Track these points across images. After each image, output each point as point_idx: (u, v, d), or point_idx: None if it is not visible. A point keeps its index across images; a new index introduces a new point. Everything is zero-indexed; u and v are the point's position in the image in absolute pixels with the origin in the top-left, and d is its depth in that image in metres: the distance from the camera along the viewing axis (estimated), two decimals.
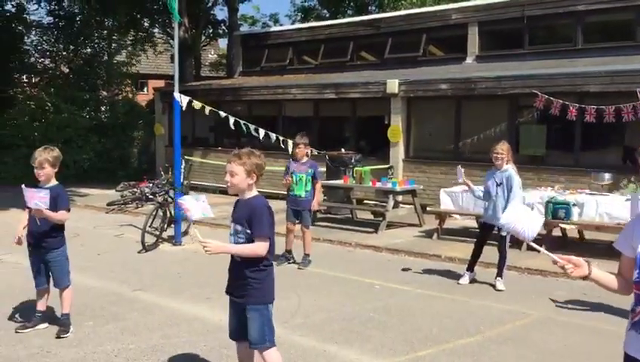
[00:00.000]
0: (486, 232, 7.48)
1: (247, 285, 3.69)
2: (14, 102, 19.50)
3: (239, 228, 3.69)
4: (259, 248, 3.64)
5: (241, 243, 3.70)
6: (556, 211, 8.80)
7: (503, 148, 7.14)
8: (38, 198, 5.10)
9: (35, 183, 5.40)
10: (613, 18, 13.31)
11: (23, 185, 5.24)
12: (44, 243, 5.38)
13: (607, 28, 13.55)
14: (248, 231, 3.64)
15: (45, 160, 5.27)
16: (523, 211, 3.04)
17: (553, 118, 11.50)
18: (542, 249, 2.66)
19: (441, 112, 13.62)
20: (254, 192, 3.75)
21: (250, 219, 3.64)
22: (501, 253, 7.31)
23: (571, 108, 10.74)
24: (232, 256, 3.79)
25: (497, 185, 7.13)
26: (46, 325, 5.58)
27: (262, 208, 3.67)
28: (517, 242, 9.18)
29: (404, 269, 8.21)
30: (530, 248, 8.88)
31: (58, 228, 5.44)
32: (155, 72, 32.92)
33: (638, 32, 12.59)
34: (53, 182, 5.38)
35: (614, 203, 8.70)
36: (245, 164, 3.64)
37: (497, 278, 7.29)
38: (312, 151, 11.76)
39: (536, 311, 6.38)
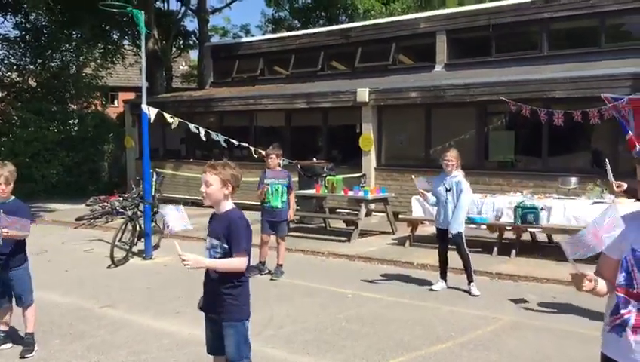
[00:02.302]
0: (443, 238, 7.53)
1: (223, 301, 3.61)
2: None
3: (216, 242, 3.61)
4: (238, 263, 3.55)
5: (217, 258, 3.61)
6: (525, 216, 8.90)
7: (452, 156, 7.27)
8: (20, 226, 4.96)
9: None
10: (578, 25, 13.57)
11: (0, 211, 5.05)
12: (6, 261, 5.24)
13: (571, 35, 13.81)
14: (225, 245, 3.57)
15: (11, 175, 5.13)
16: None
17: (522, 124, 11.68)
18: (575, 265, 2.57)
19: (411, 120, 13.72)
20: (230, 204, 3.68)
21: (227, 233, 3.56)
22: (463, 257, 7.35)
23: (540, 113, 10.90)
24: (207, 272, 3.70)
25: (447, 190, 7.24)
26: (10, 345, 5.43)
27: (240, 222, 3.60)
28: (487, 248, 9.28)
29: (367, 281, 8.14)
30: (500, 253, 9.00)
31: (21, 245, 5.31)
32: (125, 84, 32.58)
33: (602, 39, 12.85)
34: (10, 197, 5.24)
35: (581, 206, 8.83)
36: (220, 173, 3.60)
37: (470, 283, 7.33)
38: (282, 161, 11.75)
39: (508, 316, 6.42)
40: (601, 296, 2.60)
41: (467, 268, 7.34)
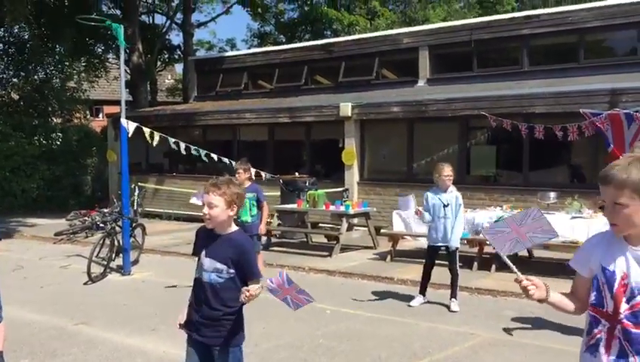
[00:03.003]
0: (435, 255, 7.48)
1: (222, 327, 3.43)
2: None
3: (221, 266, 3.41)
4: (257, 291, 3.33)
5: (220, 283, 3.43)
6: None
7: (449, 171, 7.23)
8: None
9: None
10: (558, 41, 13.73)
11: None
12: None
13: (551, 51, 13.96)
14: (232, 271, 3.39)
15: None
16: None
17: (503, 139, 11.73)
18: (511, 265, 2.59)
19: (394, 135, 13.75)
20: (233, 226, 3.50)
21: (238, 259, 3.39)
22: (454, 272, 7.33)
23: (521, 127, 10.95)
24: (203, 293, 3.47)
25: (444, 206, 7.18)
26: None
27: (249, 247, 3.48)
28: (467, 262, 9.26)
29: (347, 297, 8.12)
30: (480, 268, 8.99)
31: None
32: (110, 97, 32.36)
33: (581, 55, 13.00)
34: None
35: (560, 221, 8.85)
36: (225, 194, 3.36)
37: (452, 299, 7.30)
38: (255, 174, 11.68)
39: (486, 332, 6.39)
40: (566, 311, 2.56)
41: (454, 284, 7.32)
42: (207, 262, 3.44)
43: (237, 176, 8.13)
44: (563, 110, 10.96)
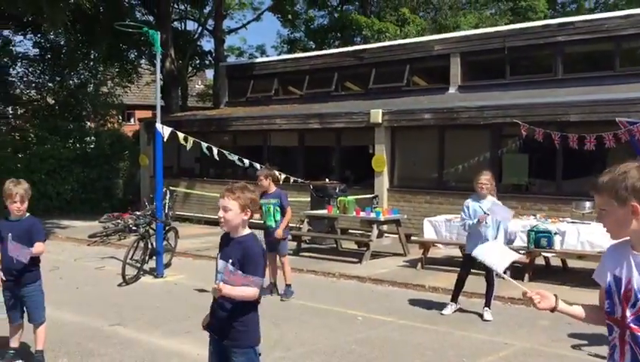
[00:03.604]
0: (472, 263, 7.40)
1: (234, 327, 3.52)
2: None
3: (230, 267, 3.51)
4: (253, 292, 3.48)
5: (229, 283, 3.52)
6: (538, 240, 8.80)
7: (487, 179, 7.17)
8: (22, 255, 5.00)
9: (6, 216, 5.31)
10: (593, 49, 13.57)
11: (9, 236, 5.07)
12: (20, 278, 5.27)
13: (587, 58, 13.79)
14: (239, 271, 3.47)
15: (26, 193, 5.18)
16: (497, 248, 3.08)
17: (535, 147, 11.60)
18: (510, 278, 2.66)
19: (424, 142, 13.70)
20: (247, 230, 3.60)
21: (243, 260, 3.48)
22: (489, 282, 7.26)
23: (554, 136, 10.84)
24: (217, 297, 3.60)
25: (485, 214, 7.12)
26: None
27: (256, 250, 3.54)
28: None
29: (378, 303, 8.08)
30: (512, 277, 8.88)
31: (34, 263, 5.33)
32: (142, 102, 32.94)
33: (617, 62, 12.81)
34: (25, 214, 5.29)
35: (595, 231, 8.70)
36: (239, 198, 3.48)
37: (485, 308, 7.23)
38: (284, 179, 11.74)
39: (519, 342, 6.32)
40: (581, 320, 2.61)
41: (489, 294, 7.25)
42: (220, 264, 3.57)
43: (259, 183, 8.16)
44: (599, 118, 10.81)
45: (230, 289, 3.44)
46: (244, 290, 3.46)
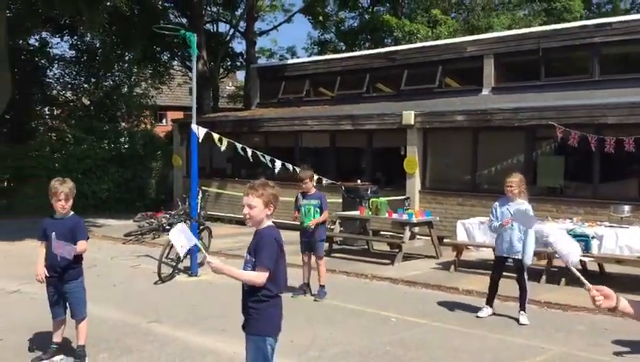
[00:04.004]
0: (502, 266, 7.36)
1: (248, 314, 3.71)
2: (36, 134, 19.86)
3: (249, 257, 3.71)
4: (256, 277, 3.62)
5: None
6: None
7: (515, 181, 7.11)
8: (66, 252, 5.15)
9: (50, 215, 5.45)
10: (631, 50, 13.30)
11: (53, 234, 5.24)
12: (63, 275, 5.41)
13: (624, 59, 13.54)
14: (254, 259, 3.67)
15: (71, 192, 5.32)
16: (567, 236, 3.06)
17: (571, 150, 11.43)
18: (578, 273, 2.61)
19: (457, 143, 13.60)
20: (268, 222, 3.76)
21: (255, 248, 3.67)
22: (521, 285, 7.20)
23: (591, 139, 10.67)
24: (243, 285, 3.79)
25: (511, 216, 7.07)
26: (62, 357, 5.57)
27: (268, 239, 3.67)
28: (534, 275, 9.05)
29: (412, 305, 8.04)
30: (548, 281, 8.76)
31: (76, 260, 5.47)
32: (173, 103, 33.37)
33: None
34: (70, 212, 5.42)
35: (634, 235, 8.56)
36: (263, 195, 3.64)
37: (521, 312, 7.16)
38: (318, 179, 11.77)
39: (557, 347, 6.24)
40: (630, 315, 2.56)
41: (522, 297, 7.19)
42: (247, 256, 3.74)
43: (304, 186, 8.20)
44: (637, 121, 10.61)
45: (231, 270, 3.67)
46: (248, 274, 3.65)
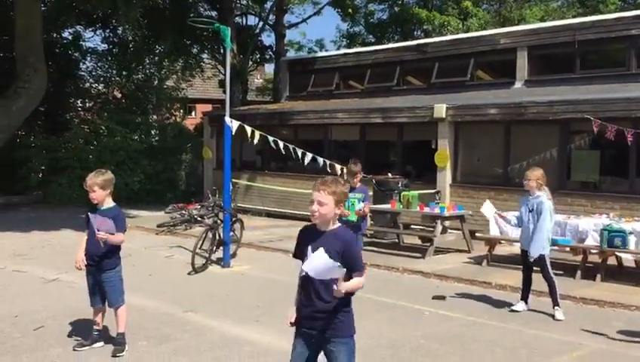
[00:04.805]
0: (526, 260, 7.32)
1: (337, 319, 3.55)
2: (70, 126, 20.22)
3: (331, 261, 3.50)
4: (361, 282, 3.55)
5: None
6: (612, 239, 8.53)
7: (532, 175, 7.08)
8: (105, 226, 5.30)
9: (90, 206, 5.57)
10: None
11: (89, 213, 5.45)
12: (101, 263, 5.53)
13: None
14: (337, 263, 3.47)
15: (94, 183, 5.43)
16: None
17: (606, 144, 11.24)
18: None
19: (489, 137, 13.47)
20: (337, 223, 3.64)
21: (345, 253, 3.51)
22: (547, 280, 7.14)
23: (627, 133, 10.48)
24: (313, 288, 3.56)
25: (529, 211, 7.07)
26: (102, 344, 5.69)
27: (354, 241, 3.62)
28: (570, 271, 8.95)
29: (436, 297, 8.02)
30: (583, 277, 8.64)
31: (114, 250, 5.58)
32: (203, 96, 33.62)
33: None
34: (109, 203, 5.53)
35: None
36: (335, 193, 3.49)
37: (556, 307, 7.09)
38: (341, 171, 11.80)
39: (594, 343, 6.17)
40: None
41: (552, 292, 7.12)
42: (324, 256, 3.49)
43: (355, 180, 8.19)
44: None
45: (349, 285, 3.48)
46: (359, 282, 3.53)
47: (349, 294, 3.56)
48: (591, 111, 11.16)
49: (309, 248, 3.58)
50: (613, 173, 11.88)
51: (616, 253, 8.88)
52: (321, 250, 3.44)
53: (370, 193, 12.78)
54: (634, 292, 8.09)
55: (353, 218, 8.17)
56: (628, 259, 9.32)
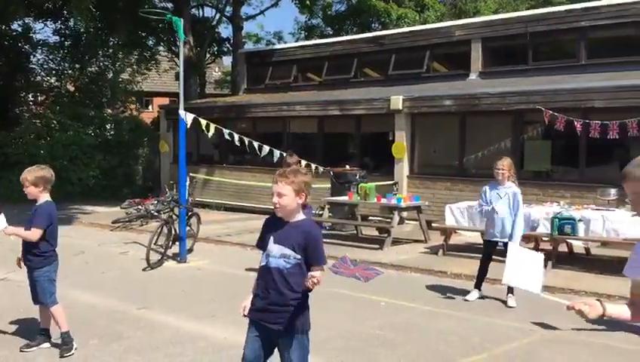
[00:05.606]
0: (491, 249, 7.42)
1: (290, 314, 3.50)
2: (20, 121, 19.62)
3: (288, 252, 3.50)
4: (321, 276, 3.49)
5: (288, 268, 3.51)
6: (562, 227, 8.75)
7: (505, 164, 7.13)
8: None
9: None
10: (617, 34, 13.34)
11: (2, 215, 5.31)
12: (28, 262, 5.39)
13: (610, 43, 13.57)
14: (298, 256, 3.48)
15: (25, 179, 5.29)
16: (524, 263, 3.06)
17: (558, 134, 11.50)
18: (554, 298, 2.65)
19: (445, 128, 13.63)
20: (302, 215, 3.59)
21: (306, 246, 3.48)
22: None
23: (577, 123, 10.74)
24: (271, 279, 3.54)
25: (501, 200, 7.10)
26: (48, 345, 5.53)
27: (319, 236, 3.57)
28: None
29: (401, 289, 8.10)
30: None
31: (39, 248, 5.34)
32: (160, 89, 33.08)
33: None
34: (42, 199, 5.35)
35: (621, 219, 8.65)
36: (294, 183, 3.44)
37: (509, 295, 7.22)
38: (305, 166, 11.80)
39: (544, 329, 6.31)
40: (625, 320, 2.56)
41: None
42: (276, 249, 3.53)
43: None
44: (623, 105, 10.71)
45: (318, 274, 3.45)
46: (320, 275, 3.48)
47: (307, 290, 3.53)
48: (542, 102, 11.40)
49: (271, 239, 3.55)
50: (565, 162, 12.18)
51: (567, 240, 9.10)
52: None
53: (328, 185, 12.88)
54: (583, 278, 8.30)
55: None
56: (578, 246, 9.58)
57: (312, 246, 3.48)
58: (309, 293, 3.62)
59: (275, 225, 3.60)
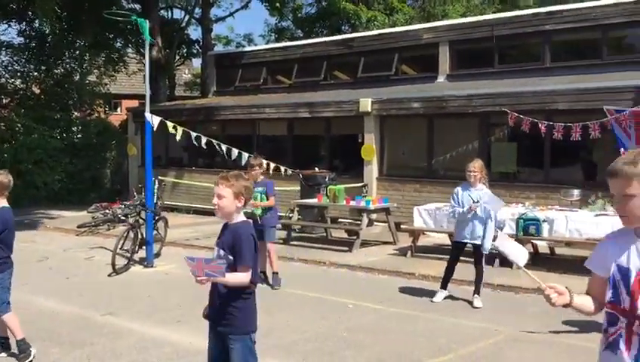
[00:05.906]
0: (460, 251, 7.46)
1: (229, 314, 3.57)
2: None
3: (222, 253, 3.59)
4: (242, 277, 3.52)
5: (224, 269, 3.51)
6: (527, 227, 8.88)
7: (476, 166, 7.18)
8: None
9: None
10: (581, 37, 13.62)
11: None
12: None
13: (574, 47, 13.85)
14: (230, 257, 3.54)
15: None
16: (512, 241, 3.13)
17: (524, 136, 11.67)
18: (530, 274, 2.64)
19: (413, 130, 13.74)
20: (241, 217, 3.65)
21: (233, 246, 3.54)
22: (478, 270, 7.32)
23: (541, 125, 10.91)
24: (214, 284, 3.63)
25: (474, 202, 7.14)
26: (4, 354, 5.39)
27: (245, 236, 3.57)
28: (488, 259, 9.23)
29: (369, 291, 8.12)
30: (502, 264, 8.97)
31: None
32: (128, 91, 32.62)
33: (605, 51, 12.88)
34: (1, 204, 5.23)
35: (583, 219, 8.81)
36: (233, 186, 3.53)
37: (475, 295, 7.29)
38: (274, 168, 11.82)
39: (509, 329, 6.39)
40: (588, 313, 2.58)
41: (479, 282, 7.31)
42: (216, 251, 3.64)
43: (253, 173, 8.08)
44: (586, 107, 10.90)
45: (230, 276, 3.48)
46: (235, 276, 3.50)
47: (240, 290, 3.56)
48: (508, 105, 11.56)
49: (215, 242, 3.66)
50: (530, 163, 12.37)
51: (532, 241, 9.23)
52: None
53: (298, 188, 12.86)
54: (548, 278, 8.36)
55: (258, 211, 8.13)
56: (543, 246, 9.73)
57: (237, 245, 3.55)
58: (254, 293, 3.66)
59: (223, 228, 3.73)
